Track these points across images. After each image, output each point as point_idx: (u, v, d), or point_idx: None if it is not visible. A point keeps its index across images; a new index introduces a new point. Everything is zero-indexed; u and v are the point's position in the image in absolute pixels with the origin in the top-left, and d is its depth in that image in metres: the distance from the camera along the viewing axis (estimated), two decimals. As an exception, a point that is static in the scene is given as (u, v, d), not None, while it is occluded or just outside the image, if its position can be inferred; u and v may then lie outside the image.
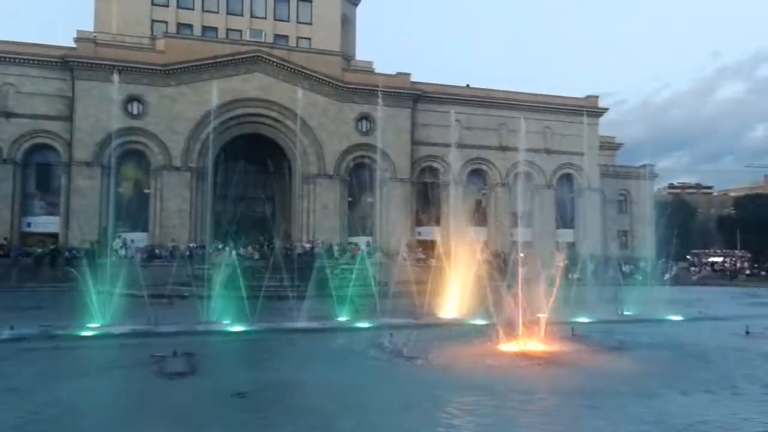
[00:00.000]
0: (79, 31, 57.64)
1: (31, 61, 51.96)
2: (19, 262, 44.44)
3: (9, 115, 51.42)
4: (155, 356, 15.46)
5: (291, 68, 57.49)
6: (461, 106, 63.25)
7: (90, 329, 20.59)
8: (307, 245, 52.06)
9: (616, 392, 12.73)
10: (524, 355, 16.83)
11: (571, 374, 14.79)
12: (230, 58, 56.12)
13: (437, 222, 60.64)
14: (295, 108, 55.63)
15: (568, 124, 68.28)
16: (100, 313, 21.95)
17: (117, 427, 10.40)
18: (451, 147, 55.00)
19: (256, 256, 47.93)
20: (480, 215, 63.42)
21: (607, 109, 72.28)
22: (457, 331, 21.33)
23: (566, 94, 70.48)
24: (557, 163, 68.43)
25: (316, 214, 57.51)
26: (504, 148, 65.19)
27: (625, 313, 28.57)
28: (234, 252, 44.36)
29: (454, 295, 26.73)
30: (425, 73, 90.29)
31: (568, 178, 69.68)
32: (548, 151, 67.51)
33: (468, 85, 66.67)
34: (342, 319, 24.29)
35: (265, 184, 62.30)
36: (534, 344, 18.00)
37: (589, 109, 68.84)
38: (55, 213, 52.82)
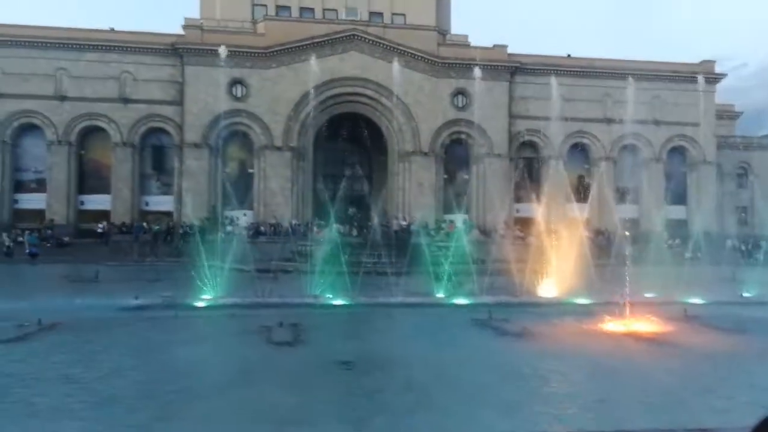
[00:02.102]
0: (186, 19, 60.66)
1: (145, 50, 55.38)
2: (139, 239, 48.05)
3: (127, 101, 55.23)
4: (263, 326, 16.27)
5: (386, 45, 57.57)
6: (562, 77, 60.69)
7: (204, 300, 21.97)
8: (404, 222, 52.43)
9: (725, 376, 11.99)
10: (631, 335, 16.15)
11: (680, 354, 14.05)
12: (326, 38, 57.02)
13: (537, 199, 58.92)
14: (390, 85, 55.80)
15: (680, 93, 63.88)
16: (212, 286, 23.35)
17: (230, 389, 11.07)
18: (552, 120, 53.02)
19: (355, 233, 48.95)
20: (582, 191, 61.12)
21: (725, 74, 66.88)
22: (558, 310, 20.79)
23: (677, 59, 65.93)
24: (667, 134, 64.37)
25: (412, 191, 57.71)
26: (608, 120, 62.12)
27: (745, 294, 26.63)
28: (334, 229, 45.69)
29: (555, 274, 26.03)
30: (523, 44, 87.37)
31: (679, 150, 65.43)
32: (657, 122, 63.58)
33: (569, 55, 63.89)
34: (439, 295, 24.36)
35: (363, 162, 63.21)
36: (642, 324, 17.21)
37: (704, 75, 63.96)
38: (169, 192, 56.45)
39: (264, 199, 56.13)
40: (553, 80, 57.42)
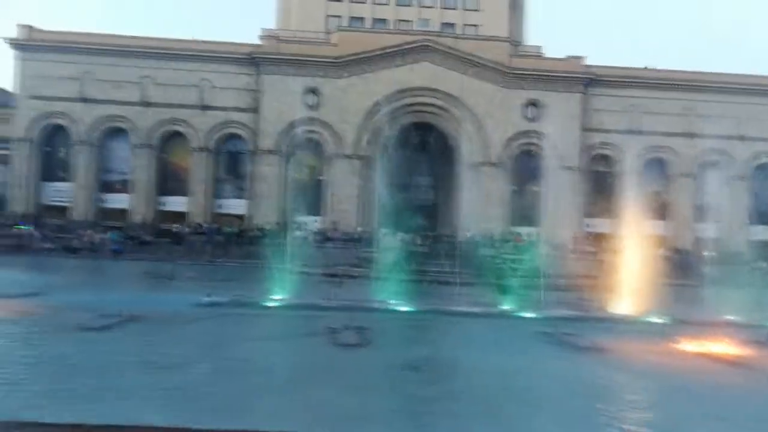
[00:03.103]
0: (263, 30, 62.82)
1: (224, 59, 57.69)
2: (212, 240, 49.91)
3: (206, 108, 57.63)
4: (330, 328, 16.59)
5: (457, 56, 57.58)
6: (639, 89, 58.82)
7: (272, 300, 22.61)
8: (469, 233, 52.07)
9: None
10: (705, 356, 15.45)
11: (757, 378, 13.31)
12: (398, 48, 57.60)
13: (609, 214, 57.13)
14: (460, 96, 55.72)
15: (767, 107, 60.54)
16: (280, 287, 24.00)
17: (297, 388, 11.39)
18: (627, 133, 51.37)
19: (420, 242, 49.01)
20: (658, 208, 58.81)
21: (817, 89, 62.81)
22: (630, 327, 20.12)
23: (763, 73, 62.42)
24: (753, 150, 61.09)
25: (480, 202, 57.23)
26: (689, 135, 59.60)
27: None
28: (400, 237, 45.94)
29: (627, 291, 25.17)
30: (601, 55, 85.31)
31: (765, 168, 61.89)
32: (742, 138, 60.48)
33: (646, 67, 61.85)
34: (505, 307, 24.05)
35: (430, 171, 63.28)
36: (718, 346, 16.42)
37: (794, 90, 60.37)
38: (242, 196, 58.40)
39: (332, 206, 57.12)
40: (629, 93, 55.78)
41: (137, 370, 11.90)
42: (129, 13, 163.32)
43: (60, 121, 56.89)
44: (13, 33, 56.81)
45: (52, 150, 57.89)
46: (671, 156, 60.22)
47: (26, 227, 49.93)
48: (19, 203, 55.47)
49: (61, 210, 56.62)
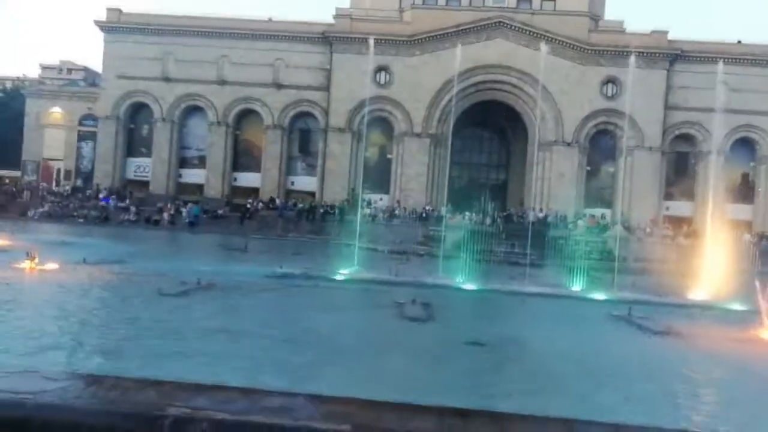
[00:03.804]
0: (337, 8, 63.03)
1: (298, 38, 58.42)
2: (284, 215, 51.18)
3: (280, 86, 58.68)
4: (396, 302, 16.76)
5: (532, 32, 55.91)
6: (729, 65, 54.98)
7: (341, 274, 23.06)
8: (540, 214, 51.00)
9: None
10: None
11: None
12: (471, 25, 56.50)
13: (690, 196, 54.65)
14: (535, 73, 54.13)
15: None
16: (349, 262, 24.44)
17: (365, 357, 11.61)
18: (714, 112, 48.40)
19: (489, 221, 48.46)
20: (745, 191, 55.49)
21: None
22: (708, 314, 19.29)
23: None
24: None
25: (552, 182, 55.80)
26: (781, 114, 55.70)
27: None
28: (468, 216, 45.59)
29: (707, 277, 24.05)
30: (689, 30, 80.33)
31: None
32: (843, 118, 55.90)
33: (739, 41, 57.98)
34: (575, 288, 23.52)
35: (501, 150, 62.15)
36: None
37: None
38: (313, 174, 59.38)
39: (401, 184, 57.20)
40: (719, 69, 52.41)
41: (212, 335, 12.45)
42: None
43: (143, 100, 59.49)
44: (102, 16, 59.61)
45: (135, 127, 60.71)
46: (762, 136, 56.54)
47: (110, 200, 52.88)
48: (104, 177, 58.66)
49: (143, 184, 59.47)
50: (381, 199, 54.18)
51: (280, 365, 10.59)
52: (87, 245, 27.75)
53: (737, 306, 20.31)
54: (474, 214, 46.95)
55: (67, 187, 58.40)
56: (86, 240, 31.18)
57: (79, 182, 60.48)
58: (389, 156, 58.40)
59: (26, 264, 19.40)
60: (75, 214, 49.17)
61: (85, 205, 52.02)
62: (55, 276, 18.93)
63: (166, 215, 49.55)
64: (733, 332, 15.70)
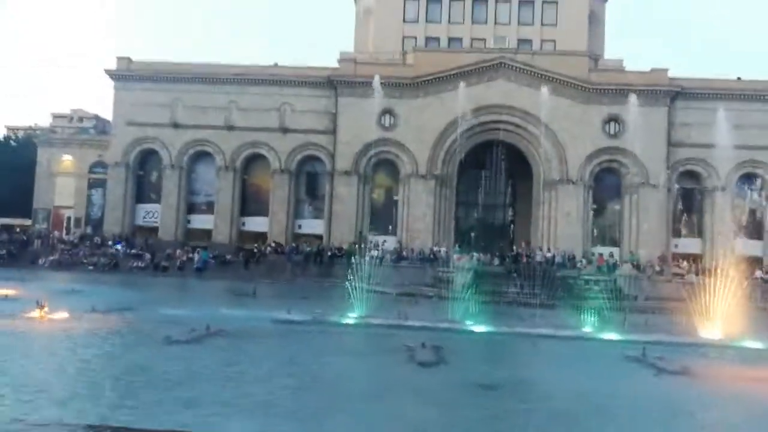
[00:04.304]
0: (341, 53, 64.36)
1: (303, 83, 59.48)
2: (292, 259, 51.16)
3: (286, 130, 59.47)
4: (406, 346, 16.63)
5: (534, 72, 56.78)
6: (730, 101, 55.65)
7: (350, 318, 22.94)
8: (548, 254, 50.81)
9: None
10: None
11: None
12: (473, 66, 57.41)
13: (698, 234, 54.50)
14: (537, 112, 54.74)
15: None
16: (357, 305, 24.32)
17: (377, 402, 11.48)
18: (718, 148, 48.57)
19: (496, 262, 48.32)
20: (753, 227, 55.25)
21: None
22: (722, 353, 18.99)
23: None
24: None
25: (558, 221, 55.76)
26: (785, 149, 55.84)
27: None
28: (475, 257, 45.46)
29: (720, 315, 23.76)
30: (687, 68, 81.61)
31: None
32: None
33: (739, 78, 58.67)
34: (587, 329, 23.28)
35: (506, 190, 62.33)
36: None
37: None
38: (320, 216, 59.57)
39: (407, 225, 57.27)
40: (720, 105, 52.91)
41: (223, 382, 12.37)
42: (215, 40, 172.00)
43: (152, 146, 60.33)
44: (113, 65, 61.04)
45: (144, 174, 61.41)
46: (766, 171, 56.61)
47: (120, 247, 53.12)
48: (114, 224, 59.06)
49: (151, 230, 59.78)
50: (385, 242, 54.16)
51: (292, 411, 10.50)
52: (97, 293, 27.82)
53: (751, 344, 20.04)
54: (481, 255, 46.84)
55: (77, 235, 58.82)
56: (96, 288, 31.26)
57: (89, 230, 60.90)
58: (395, 197, 58.70)
59: (36, 313, 19.45)
60: (85, 261, 49.39)
61: (95, 252, 52.27)
62: (64, 325, 18.94)
63: (178, 261, 49.70)
64: (749, 371, 15.45)
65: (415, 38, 68.79)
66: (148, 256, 49.98)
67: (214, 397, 11.25)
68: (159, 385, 12.09)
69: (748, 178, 57.01)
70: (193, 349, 15.92)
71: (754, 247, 52.35)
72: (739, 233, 48.38)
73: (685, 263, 46.78)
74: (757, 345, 19.69)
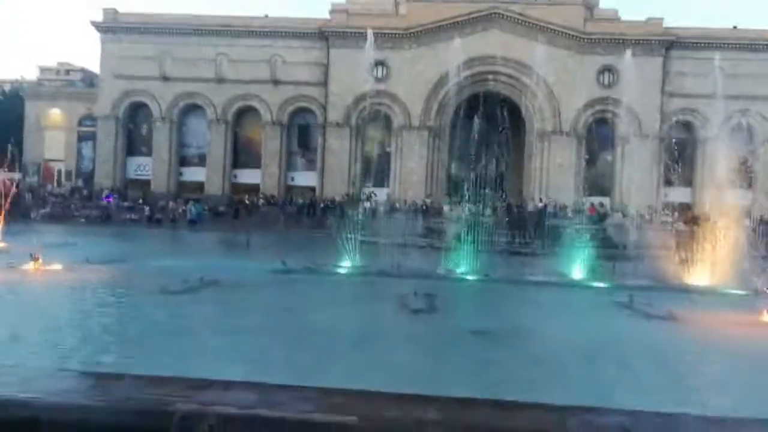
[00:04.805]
0: (333, 3, 62.94)
1: (294, 34, 58.37)
2: (284, 211, 51.32)
3: (277, 82, 58.71)
4: (399, 294, 16.89)
5: (528, 23, 55.87)
6: (725, 51, 55.16)
7: (343, 268, 23.21)
8: (540, 203, 51.09)
9: None
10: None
11: None
12: (467, 17, 56.45)
13: (689, 183, 54.85)
14: (531, 63, 54.14)
15: None
16: (350, 256, 24.55)
17: (369, 349, 11.74)
18: (711, 98, 48.43)
19: (489, 211, 48.47)
20: (744, 176, 55.57)
21: None
22: (708, 298, 19.41)
23: None
24: None
25: (550, 172, 55.92)
26: (779, 99, 55.71)
27: None
28: (468, 207, 45.65)
29: (706, 262, 24.18)
30: (684, 16, 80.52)
31: None
32: (841, 100, 55.91)
33: (735, 27, 57.95)
34: (577, 276, 23.65)
35: (499, 141, 62.13)
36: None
37: None
38: (312, 169, 59.50)
39: (400, 177, 57.32)
40: (715, 55, 52.38)
41: (217, 333, 12.59)
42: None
43: (142, 99, 59.52)
44: (99, 17, 59.54)
45: (134, 127, 60.77)
46: (759, 121, 56.57)
47: (111, 200, 53.00)
48: (105, 177, 58.77)
49: (143, 183, 59.58)
50: (382, 193, 54.21)
51: (286, 361, 10.73)
52: (90, 245, 27.90)
53: (737, 290, 20.47)
54: (474, 205, 46.99)
55: (68, 188, 58.56)
56: (89, 240, 31.35)
57: (80, 183, 60.60)
58: (388, 149, 58.52)
59: (30, 265, 19.55)
60: (77, 214, 49.31)
61: (86, 205, 52.16)
62: (59, 276, 19.08)
63: (171, 214, 49.73)
64: (731, 315, 15.85)
65: (409, -13, 67.05)
66: (147, 208, 49.87)
67: (208, 346, 11.47)
68: (152, 335, 12.30)
69: (740, 128, 56.98)
70: (187, 299, 16.12)
71: (743, 196, 52.60)
72: (728, 182, 48.59)
73: (676, 213, 47.19)
74: (742, 292, 20.12)
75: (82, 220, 47.48)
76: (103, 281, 18.76)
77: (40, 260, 19.68)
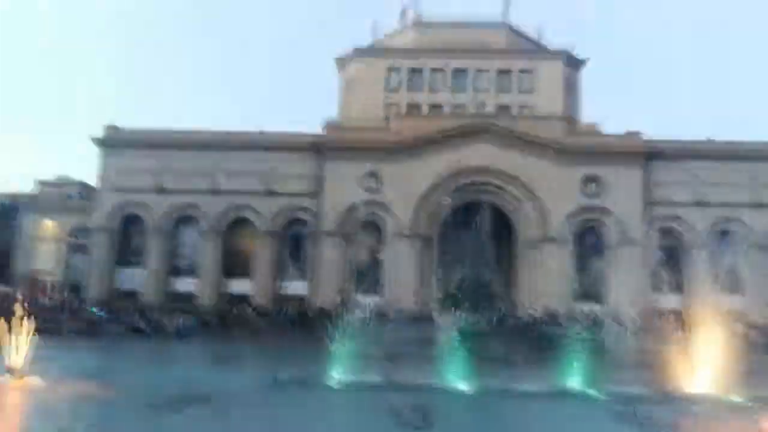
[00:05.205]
0: (326, 120, 66.02)
1: (288, 148, 60.63)
2: (275, 321, 50.62)
3: (270, 194, 60.17)
4: (393, 408, 16.46)
5: (513, 136, 58.56)
6: (703, 161, 57.69)
7: (335, 381, 22.67)
8: (533, 312, 50.94)
9: None
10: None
11: None
12: (456, 131, 59.16)
13: (679, 289, 55.10)
14: (517, 174, 56.20)
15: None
16: (342, 367, 24.06)
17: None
18: (693, 206, 50.01)
19: (482, 321, 48.14)
20: (731, 281, 56.08)
21: None
22: (708, 407, 19.05)
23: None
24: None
25: (540, 279, 56.26)
26: (759, 205, 57.51)
27: None
28: (460, 316, 45.35)
29: (701, 369, 23.92)
30: (662, 129, 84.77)
31: None
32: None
33: (709, 139, 60.93)
34: (576, 387, 23.19)
35: (490, 250, 62.89)
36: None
37: None
38: (304, 278, 59.54)
39: (391, 285, 57.35)
40: (693, 165, 54.74)
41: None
42: (201, 107, 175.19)
43: (136, 211, 60.49)
44: (100, 133, 61.81)
45: (126, 238, 61.25)
46: (741, 227, 58.00)
47: (99, 312, 52.18)
48: (94, 289, 58.37)
49: (133, 295, 59.10)
50: (373, 302, 53.90)
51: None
52: (77, 358, 27.25)
53: (734, 398, 20.16)
54: (466, 315, 46.71)
55: (55, 300, 57.87)
56: (76, 353, 30.63)
57: (69, 294, 60.00)
58: (380, 258, 59.00)
59: (10, 380, 19.01)
60: (65, 327, 48.31)
61: (75, 317, 51.29)
62: (40, 393, 18.52)
63: (161, 326, 48.87)
64: (731, 423, 15.53)
65: (398, 105, 71.03)
66: (137, 320, 48.95)
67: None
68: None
69: (722, 234, 58.36)
70: (175, 416, 15.65)
71: (732, 302, 52.84)
72: (717, 288, 48.95)
73: (668, 319, 47.04)
74: (739, 398, 19.82)
75: (71, 333, 46.40)
76: (88, 397, 18.22)
77: (20, 373, 19.16)
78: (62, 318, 50.67)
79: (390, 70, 72.37)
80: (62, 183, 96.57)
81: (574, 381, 23.52)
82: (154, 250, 59.70)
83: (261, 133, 62.54)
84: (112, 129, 62.05)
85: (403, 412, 15.92)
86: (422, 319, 47.89)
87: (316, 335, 41.20)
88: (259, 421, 15.83)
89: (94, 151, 61.73)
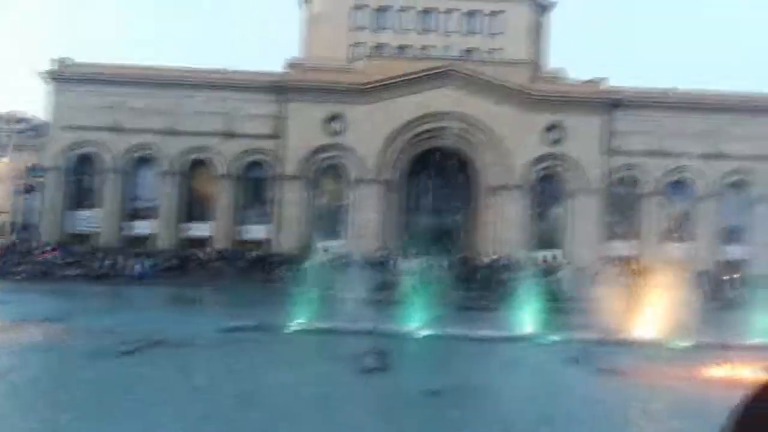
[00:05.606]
0: (289, 59, 63.96)
1: (249, 88, 58.80)
2: (235, 265, 50.39)
3: (231, 135, 58.62)
4: (352, 352, 16.67)
5: (479, 81, 57.97)
6: (665, 111, 58.32)
7: (295, 325, 22.79)
8: (492, 257, 51.86)
9: None
10: (732, 382, 15.15)
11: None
12: (421, 74, 58.17)
13: (633, 237, 56.65)
14: (482, 120, 55.96)
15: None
16: (303, 311, 24.17)
17: (321, 413, 11.48)
18: (652, 156, 50.85)
19: (442, 265, 48.91)
20: (683, 230, 57.89)
21: None
22: (653, 351, 19.85)
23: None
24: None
25: (501, 225, 57.02)
26: (715, 156, 58.81)
27: None
28: (422, 261, 45.94)
29: (650, 314, 24.84)
30: (627, 76, 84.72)
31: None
32: (769, 159, 59.39)
33: (672, 88, 61.43)
34: (529, 330, 23.88)
35: (452, 196, 63.24)
36: (748, 370, 16.08)
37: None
38: (265, 222, 58.91)
39: (355, 230, 57.38)
40: (655, 114, 55.39)
41: (164, 395, 12.13)
42: (158, 44, 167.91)
43: (90, 150, 58.40)
44: (48, 66, 58.75)
45: (80, 178, 59.34)
46: (697, 177, 59.46)
47: (52, 254, 51.04)
48: (47, 231, 56.81)
49: (88, 237, 57.79)
50: (337, 246, 54.12)
51: (236, 425, 10.39)
52: (26, 302, 26.69)
53: (681, 342, 21.02)
54: (428, 259, 47.34)
55: (9, 241, 56.33)
56: (26, 297, 30.00)
57: (25, 235, 58.39)
58: (343, 202, 58.77)
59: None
60: (13, 270, 47.12)
61: (23, 260, 50.03)
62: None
63: (118, 269, 48.17)
64: (675, 368, 16.20)
65: (364, 44, 69.18)
66: (107, 262, 47.89)
67: (154, 410, 11.02)
68: (96, 398, 11.75)
69: (679, 184, 59.80)
70: (131, 361, 15.52)
71: (683, 249, 54.71)
72: (669, 236, 50.59)
73: (621, 265, 48.56)
74: (684, 343, 20.68)
75: (18, 277, 45.11)
76: (39, 342, 17.90)
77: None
78: (13, 260, 49.41)
79: (356, 8, 70.18)
80: (12, 119, 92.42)
81: (529, 326, 24.19)
82: (109, 191, 58.02)
83: (221, 70, 60.41)
84: (64, 62, 59.03)
85: (362, 356, 16.13)
86: (384, 264, 48.42)
87: (277, 279, 41.45)
88: (213, 365, 15.80)
89: (41, 85, 58.84)
